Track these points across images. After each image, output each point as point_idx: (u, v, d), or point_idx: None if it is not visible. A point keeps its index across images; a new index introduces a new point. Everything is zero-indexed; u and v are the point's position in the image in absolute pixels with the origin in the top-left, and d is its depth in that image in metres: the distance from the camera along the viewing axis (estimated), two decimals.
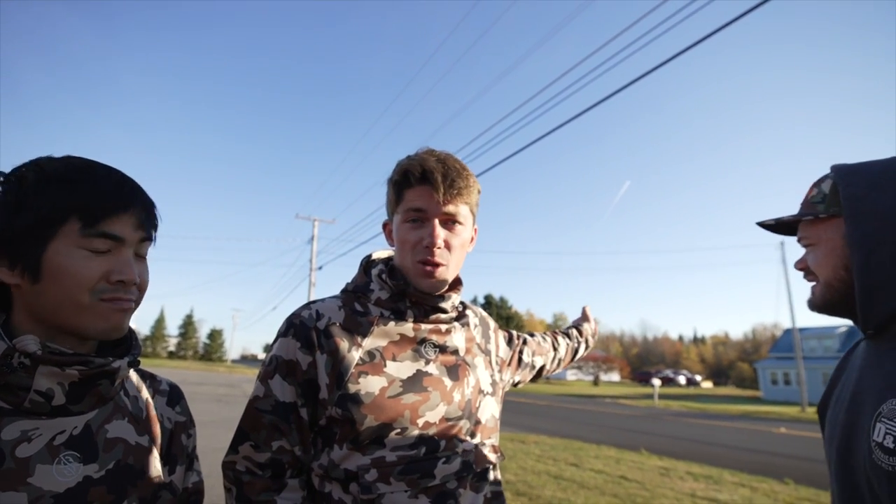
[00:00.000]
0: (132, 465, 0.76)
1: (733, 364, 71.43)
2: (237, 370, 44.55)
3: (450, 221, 1.00)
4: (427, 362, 1.00)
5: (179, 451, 0.88)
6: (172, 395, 0.92)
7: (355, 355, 0.96)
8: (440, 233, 0.98)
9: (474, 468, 0.98)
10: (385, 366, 0.96)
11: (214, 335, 75.51)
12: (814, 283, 0.94)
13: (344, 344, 0.96)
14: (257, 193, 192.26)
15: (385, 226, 1.11)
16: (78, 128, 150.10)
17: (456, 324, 1.09)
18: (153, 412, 0.85)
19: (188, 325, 73.97)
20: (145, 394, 0.86)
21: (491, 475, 1.03)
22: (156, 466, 0.80)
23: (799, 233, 0.96)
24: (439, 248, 0.98)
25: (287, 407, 0.94)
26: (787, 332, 39.24)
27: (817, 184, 0.94)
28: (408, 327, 1.01)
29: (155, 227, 0.78)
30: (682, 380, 55.36)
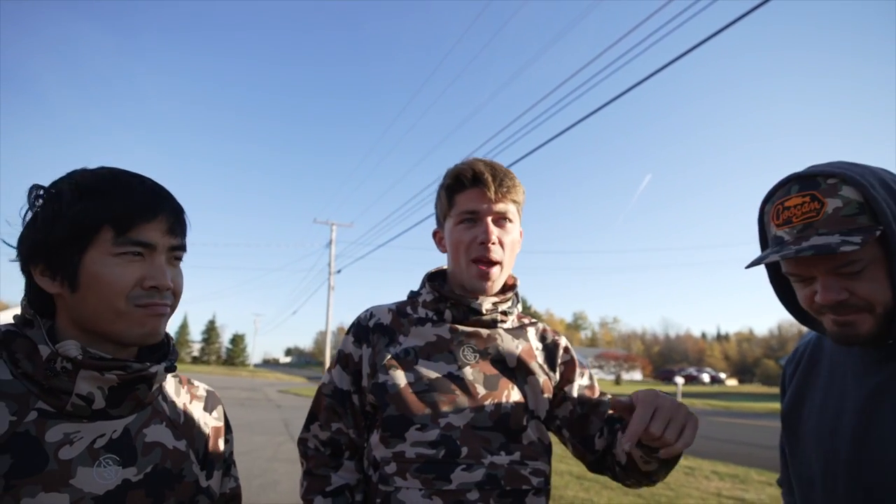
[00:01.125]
0: (170, 469, 0.77)
1: (758, 361, 70.06)
2: (259, 374, 45.18)
3: (501, 219, 1.04)
4: (462, 366, 1.01)
5: (216, 456, 0.89)
6: (209, 401, 0.93)
7: (392, 351, 1.03)
8: (493, 230, 1.01)
9: (503, 485, 0.94)
10: (416, 363, 1.01)
11: (237, 340, 76.70)
12: (854, 316, 0.77)
13: (384, 340, 1.05)
14: (275, 198, 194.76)
15: (435, 234, 1.15)
16: (93, 130, 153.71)
17: (501, 331, 1.06)
18: (191, 417, 0.87)
19: (211, 331, 75.29)
20: (183, 399, 0.88)
21: (531, 499, 0.97)
22: (193, 471, 0.81)
23: (840, 258, 0.75)
24: (494, 243, 1.00)
25: (343, 393, 1.06)
26: None
27: (830, 192, 0.76)
28: (445, 329, 1.04)
29: (184, 232, 0.80)
30: (705, 378, 54.43)
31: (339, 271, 27.36)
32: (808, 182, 0.78)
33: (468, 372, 1.00)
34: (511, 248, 1.05)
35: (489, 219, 1.02)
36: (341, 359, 1.08)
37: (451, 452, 0.94)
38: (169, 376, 0.88)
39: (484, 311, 1.03)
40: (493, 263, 1.02)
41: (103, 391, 0.71)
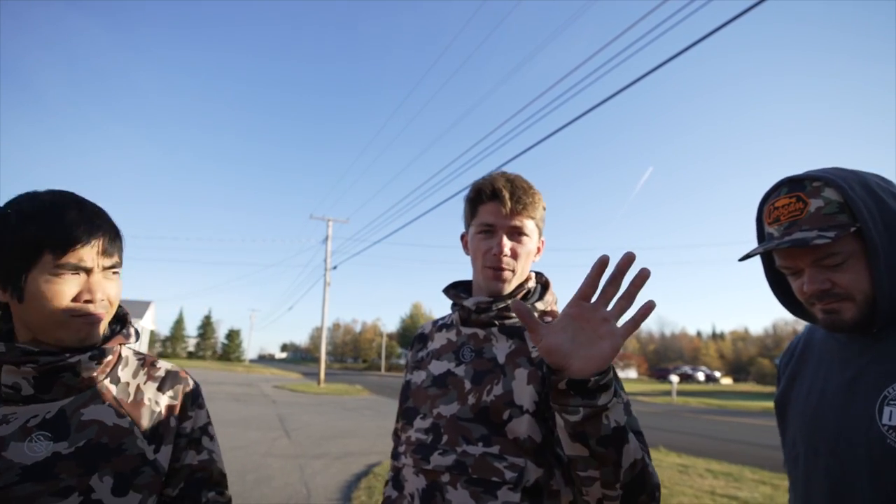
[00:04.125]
0: (106, 443, 0.87)
1: (753, 360, 70.29)
2: (255, 370, 45.15)
3: (516, 233, 1.12)
4: (459, 364, 1.11)
5: (167, 431, 0.96)
6: (165, 381, 1.02)
7: (419, 355, 1.22)
8: (507, 243, 1.10)
9: (469, 472, 0.97)
10: (430, 364, 1.16)
11: (232, 335, 76.59)
12: (837, 304, 0.87)
13: (419, 346, 1.25)
14: (272, 194, 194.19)
15: (462, 237, 1.26)
16: (90, 125, 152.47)
17: (495, 331, 1.11)
18: (141, 396, 0.96)
19: (206, 326, 75.16)
20: (139, 380, 0.99)
21: (504, 493, 0.94)
22: (137, 445, 0.90)
23: (819, 252, 0.86)
24: (506, 255, 1.10)
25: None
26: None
27: (813, 193, 0.87)
28: (452, 333, 1.18)
29: (119, 251, 0.91)
30: (700, 376, 54.67)
31: (335, 267, 27.36)
32: (796, 185, 0.90)
33: (461, 369, 1.09)
34: (525, 258, 1.13)
35: (503, 232, 1.11)
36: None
37: (436, 438, 1.05)
38: (133, 359, 1.01)
39: (473, 308, 1.11)
40: (504, 271, 1.11)
41: (28, 380, 0.84)
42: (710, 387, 47.50)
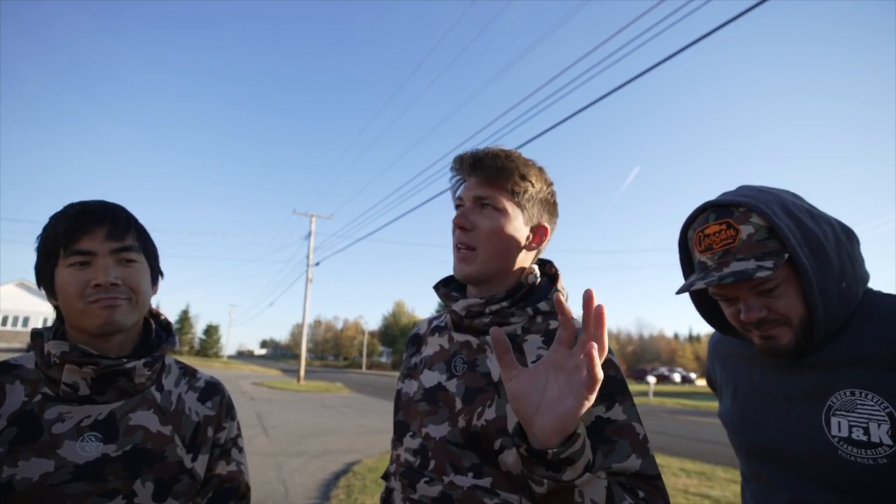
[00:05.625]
0: (150, 449, 0.89)
1: None
2: (233, 366, 44.54)
3: (481, 205, 0.95)
4: (451, 377, 0.95)
5: (204, 441, 0.99)
6: (205, 392, 1.04)
7: (413, 361, 1.08)
8: (467, 213, 0.94)
9: None
10: (422, 373, 1.02)
11: (211, 330, 75.22)
12: (774, 330, 0.87)
13: (412, 350, 1.11)
14: (255, 189, 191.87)
15: None
16: (81, 125, 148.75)
17: (490, 339, 0.92)
18: (182, 406, 0.98)
19: (184, 321, 73.65)
20: (180, 389, 1.01)
21: None
22: (177, 453, 0.92)
23: (757, 280, 0.84)
24: (462, 228, 0.94)
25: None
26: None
27: (742, 219, 0.86)
28: (445, 338, 1.02)
29: (127, 235, 0.91)
30: (676, 377, 55.59)
31: (317, 263, 27.10)
32: (723, 210, 0.88)
33: (453, 384, 0.94)
34: (493, 237, 0.92)
35: (469, 204, 0.96)
36: None
37: (423, 463, 0.91)
38: (175, 367, 1.03)
39: (463, 313, 0.96)
40: (462, 246, 0.93)
41: (86, 381, 0.86)
42: (686, 388, 48.33)
